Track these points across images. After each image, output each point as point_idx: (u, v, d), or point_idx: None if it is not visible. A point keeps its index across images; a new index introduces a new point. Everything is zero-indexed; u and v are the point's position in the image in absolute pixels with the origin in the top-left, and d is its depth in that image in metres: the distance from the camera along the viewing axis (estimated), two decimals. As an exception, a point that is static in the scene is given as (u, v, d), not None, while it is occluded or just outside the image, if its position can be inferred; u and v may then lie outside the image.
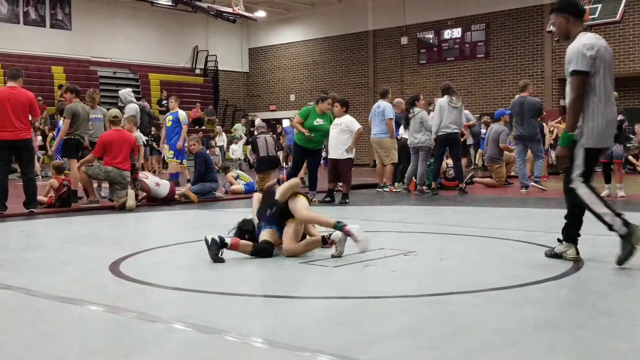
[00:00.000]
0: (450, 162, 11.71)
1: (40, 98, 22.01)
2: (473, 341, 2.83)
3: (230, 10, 23.21)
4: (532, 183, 11.19)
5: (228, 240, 4.84)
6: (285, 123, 23.22)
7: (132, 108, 12.04)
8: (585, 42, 4.40)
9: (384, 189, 11.51)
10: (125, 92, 12.56)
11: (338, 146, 9.64)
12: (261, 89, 29.90)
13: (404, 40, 25.31)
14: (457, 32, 24.08)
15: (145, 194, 9.96)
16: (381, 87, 12.36)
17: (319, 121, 9.58)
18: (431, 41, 24.61)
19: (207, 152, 12.14)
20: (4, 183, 8.41)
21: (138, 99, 25.48)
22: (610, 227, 4.31)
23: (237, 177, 12.01)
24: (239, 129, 25.35)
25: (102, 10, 26.40)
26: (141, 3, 26.11)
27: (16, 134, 8.37)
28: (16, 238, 6.82)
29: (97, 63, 26.37)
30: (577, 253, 4.56)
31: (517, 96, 11.29)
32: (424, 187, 11.20)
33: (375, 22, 26.13)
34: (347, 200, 9.58)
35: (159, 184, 9.97)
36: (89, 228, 7.39)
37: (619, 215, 4.30)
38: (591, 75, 4.37)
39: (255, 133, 13.12)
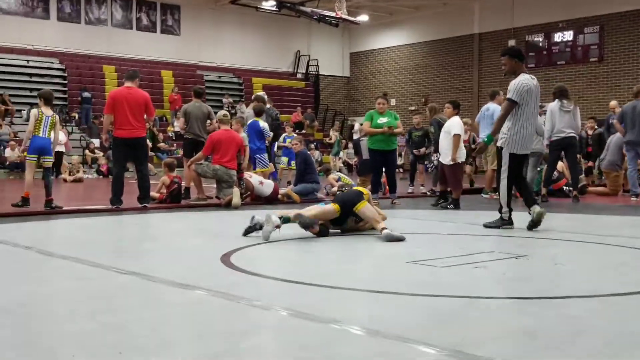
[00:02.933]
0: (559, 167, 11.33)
1: (150, 100, 23.16)
2: (597, 343, 2.74)
3: (333, 14, 23.46)
4: None
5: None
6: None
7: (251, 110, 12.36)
8: (522, 82, 6.65)
9: (484, 195, 11.29)
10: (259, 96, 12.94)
11: (443, 150, 9.57)
12: (361, 94, 30.01)
13: (512, 43, 24.71)
14: (568, 35, 23.27)
15: (249, 192, 10.23)
16: (490, 89, 12.11)
17: (382, 120, 9.78)
18: (540, 44, 23.91)
19: (309, 152, 12.31)
20: (121, 179, 8.89)
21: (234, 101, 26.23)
22: (500, 210, 6.76)
23: (338, 179, 12.12)
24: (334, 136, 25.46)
25: (209, 16, 27.36)
26: (246, 8, 26.89)
27: (132, 132, 8.82)
28: (132, 230, 7.20)
29: (203, 67, 27.37)
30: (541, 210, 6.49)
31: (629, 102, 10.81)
32: (531, 194, 10.89)
33: (482, 25, 25.67)
34: (450, 206, 9.40)
35: (263, 183, 10.21)
36: (198, 222, 7.69)
37: (511, 210, 6.78)
38: (520, 105, 6.63)
39: (356, 136, 13.23)
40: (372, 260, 4.96)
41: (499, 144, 6.88)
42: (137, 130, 8.88)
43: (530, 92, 6.66)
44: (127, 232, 6.98)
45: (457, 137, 9.36)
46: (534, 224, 6.59)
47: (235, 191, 9.44)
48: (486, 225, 6.80)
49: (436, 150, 10.90)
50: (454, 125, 9.53)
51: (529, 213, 6.65)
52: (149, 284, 3.97)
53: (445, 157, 9.52)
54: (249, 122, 11.38)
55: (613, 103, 14.47)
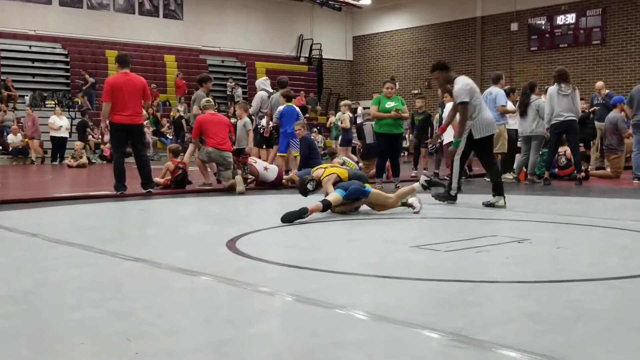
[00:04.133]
0: (561, 150, 11.31)
1: (154, 85, 23.13)
2: (597, 328, 2.76)
3: (336, -2, 23.34)
4: None
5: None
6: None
7: (258, 96, 12.34)
8: (463, 83, 7.45)
9: (486, 179, 11.30)
10: (260, 81, 12.88)
11: (451, 133, 9.57)
12: (365, 77, 29.93)
13: (514, 26, 24.59)
14: (571, 18, 23.14)
15: (254, 178, 10.25)
16: (493, 73, 12.09)
17: (390, 104, 9.77)
18: (543, 27, 23.77)
19: (313, 137, 12.28)
20: (121, 164, 8.91)
21: (243, 87, 26.20)
22: (449, 187, 7.56)
23: (343, 163, 12.10)
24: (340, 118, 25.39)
25: (212, 0, 27.24)
26: (249, -8, 26.78)
27: (131, 119, 8.83)
28: (137, 216, 7.24)
29: (206, 52, 27.31)
30: (505, 203, 7.22)
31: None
32: (534, 177, 10.89)
33: (485, 8, 25.52)
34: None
35: (267, 169, 10.23)
36: (203, 208, 7.72)
37: (459, 189, 7.75)
38: (471, 102, 7.42)
39: (360, 120, 13.19)
40: (377, 246, 4.98)
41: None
42: (135, 117, 8.90)
43: (473, 88, 7.50)
44: (131, 218, 7.01)
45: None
46: (489, 205, 7.24)
47: (239, 179, 9.44)
48: (434, 196, 7.53)
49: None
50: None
51: (493, 196, 7.33)
52: (155, 271, 4.00)
53: (449, 136, 9.55)
54: (281, 107, 11.40)
55: (599, 84, 14.37)
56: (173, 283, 3.69)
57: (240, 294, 3.42)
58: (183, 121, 20.07)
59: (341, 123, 14.84)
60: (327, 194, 6.61)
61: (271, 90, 12.47)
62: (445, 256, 4.41)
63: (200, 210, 7.60)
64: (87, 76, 22.64)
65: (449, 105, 9.75)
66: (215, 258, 4.41)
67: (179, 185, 9.61)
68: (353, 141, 14.18)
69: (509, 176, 11.48)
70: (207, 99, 10.41)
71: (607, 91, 14.26)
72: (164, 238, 5.40)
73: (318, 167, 7.30)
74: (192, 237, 5.42)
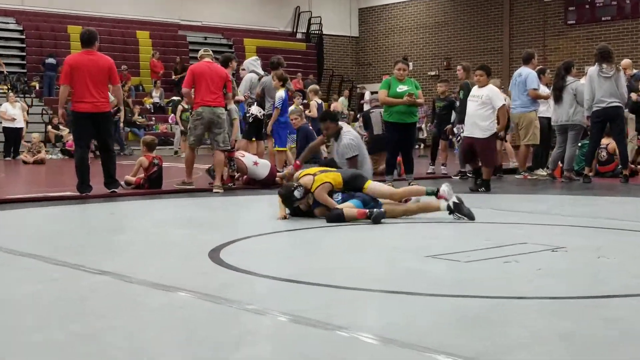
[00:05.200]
0: (604, 142, 11.32)
1: (125, 67, 23.13)
2: (643, 351, 2.77)
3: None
4: None
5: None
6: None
7: (247, 78, 12.25)
8: (351, 136, 8.48)
9: (517, 176, 11.39)
10: (249, 61, 12.81)
11: (477, 122, 9.53)
12: (373, 56, 29.89)
13: (549, -5, 24.57)
14: (614, -14, 23.10)
15: (241, 174, 10.25)
16: (524, 51, 12.07)
17: (401, 87, 9.73)
18: (580, -3, 23.76)
19: (311, 128, 12.28)
20: (85, 160, 8.88)
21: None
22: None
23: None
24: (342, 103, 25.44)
25: (193, -33, 27.23)
26: (236, -43, 26.74)
27: (96, 106, 8.79)
28: (105, 221, 7.25)
29: (186, 27, 27.27)
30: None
31: None
32: (572, 174, 10.89)
33: (514, -26, 25.50)
34: (485, 188, 9.43)
35: (257, 163, 10.20)
36: (183, 211, 7.73)
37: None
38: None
39: (367, 107, 13.20)
40: (385, 255, 4.98)
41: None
42: (100, 104, 8.85)
43: (360, 143, 8.71)
44: (99, 224, 7.01)
45: (504, 109, 9.75)
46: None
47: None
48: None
49: (460, 122, 10.91)
50: (495, 95, 9.60)
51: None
52: (125, 286, 4.00)
53: (477, 129, 9.48)
54: (281, 92, 11.40)
55: (626, 62, 13.61)
56: (145, 300, 3.70)
57: (224, 312, 3.43)
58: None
59: (309, 111, 14.80)
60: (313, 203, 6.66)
61: (262, 73, 12.43)
62: (466, 267, 4.41)
63: (179, 213, 7.61)
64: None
65: (488, 93, 9.70)
66: (196, 270, 4.41)
67: (154, 184, 9.61)
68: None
69: (542, 172, 11.48)
70: (206, 48, 10.43)
71: (634, 71, 13.83)
72: (136, 247, 5.41)
73: (305, 172, 6.96)
74: (169, 245, 5.42)
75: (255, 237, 5.68)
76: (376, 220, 6.26)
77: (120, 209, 7.95)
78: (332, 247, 5.51)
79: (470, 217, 6.41)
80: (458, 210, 6.45)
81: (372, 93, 16.67)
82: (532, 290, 3.82)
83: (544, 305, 3.53)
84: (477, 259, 4.64)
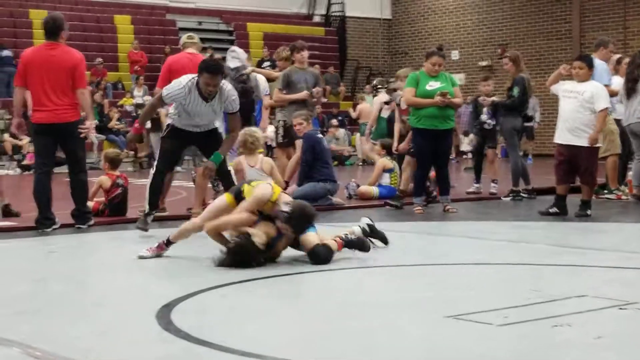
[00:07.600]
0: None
1: (100, 59, 23.14)
2: None
3: None
4: None
5: None
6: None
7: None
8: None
9: (607, 195, 11.13)
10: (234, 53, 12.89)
11: (579, 126, 9.23)
12: (409, 44, 29.82)
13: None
14: None
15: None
16: (598, 38, 11.86)
17: (432, 84, 9.75)
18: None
19: (320, 136, 11.97)
20: (44, 186, 8.63)
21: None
22: None
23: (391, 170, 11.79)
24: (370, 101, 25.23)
25: None
26: None
27: (56, 115, 8.57)
28: (40, 262, 7.06)
29: (176, 10, 27.50)
30: None
31: None
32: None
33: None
34: (588, 212, 9.24)
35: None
36: (143, 247, 7.44)
37: None
38: None
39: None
40: (389, 313, 4.72)
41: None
42: (61, 112, 8.62)
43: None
44: (32, 266, 6.82)
45: (605, 112, 9.45)
46: None
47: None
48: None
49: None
50: (599, 94, 9.34)
51: None
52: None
53: (580, 135, 9.23)
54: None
55: None
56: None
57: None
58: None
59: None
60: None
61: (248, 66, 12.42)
62: (499, 333, 4.22)
63: (137, 251, 7.32)
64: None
65: (591, 89, 9.56)
66: (133, 337, 4.25)
67: (115, 210, 9.38)
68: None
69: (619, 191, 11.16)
70: (189, 34, 10.43)
71: None
72: (64, 303, 5.20)
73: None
74: (108, 299, 5.26)
75: (223, 286, 5.50)
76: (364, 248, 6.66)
77: (65, 245, 7.80)
78: (321, 301, 5.30)
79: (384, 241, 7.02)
80: (373, 233, 7.01)
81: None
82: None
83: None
84: (515, 321, 4.43)
